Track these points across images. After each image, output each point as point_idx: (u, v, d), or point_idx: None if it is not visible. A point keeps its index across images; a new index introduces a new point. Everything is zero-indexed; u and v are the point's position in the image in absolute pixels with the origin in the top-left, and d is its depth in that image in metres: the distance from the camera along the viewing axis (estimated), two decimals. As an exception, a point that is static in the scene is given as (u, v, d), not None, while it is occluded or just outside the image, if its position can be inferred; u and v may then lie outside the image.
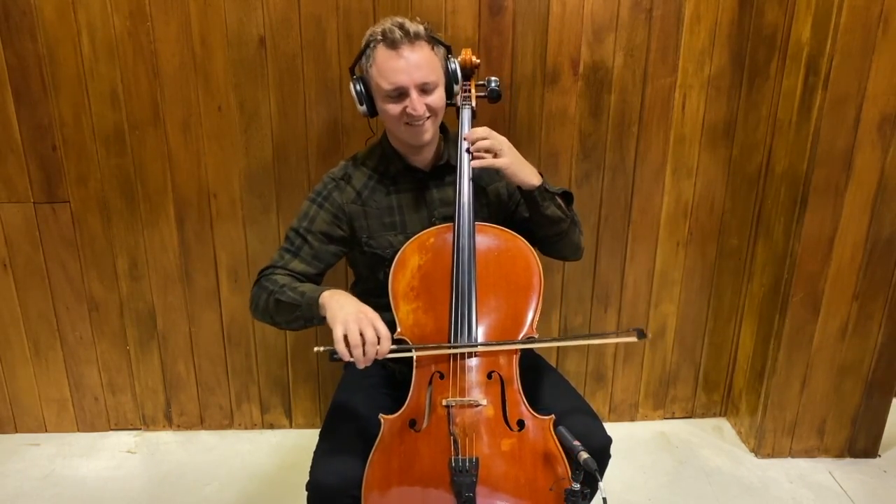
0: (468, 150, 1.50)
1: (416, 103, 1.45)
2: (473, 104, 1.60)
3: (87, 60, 2.00)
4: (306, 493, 1.41)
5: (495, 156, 1.48)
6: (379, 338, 1.30)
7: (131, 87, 2.03)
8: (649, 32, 2.04)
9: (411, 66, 1.43)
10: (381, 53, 1.44)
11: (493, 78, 1.66)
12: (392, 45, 1.42)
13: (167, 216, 2.16)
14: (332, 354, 1.30)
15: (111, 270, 2.22)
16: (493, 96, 1.66)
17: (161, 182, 2.13)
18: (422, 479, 1.36)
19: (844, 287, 2.11)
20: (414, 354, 1.42)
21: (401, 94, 1.45)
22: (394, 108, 1.47)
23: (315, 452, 1.44)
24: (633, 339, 1.37)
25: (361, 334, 1.29)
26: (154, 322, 2.28)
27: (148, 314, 2.27)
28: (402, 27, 1.43)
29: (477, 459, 1.34)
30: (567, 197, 1.60)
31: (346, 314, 1.31)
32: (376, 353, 1.30)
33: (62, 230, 2.17)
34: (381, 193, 1.60)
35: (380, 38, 1.44)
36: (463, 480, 1.32)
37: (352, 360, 1.29)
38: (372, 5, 1.98)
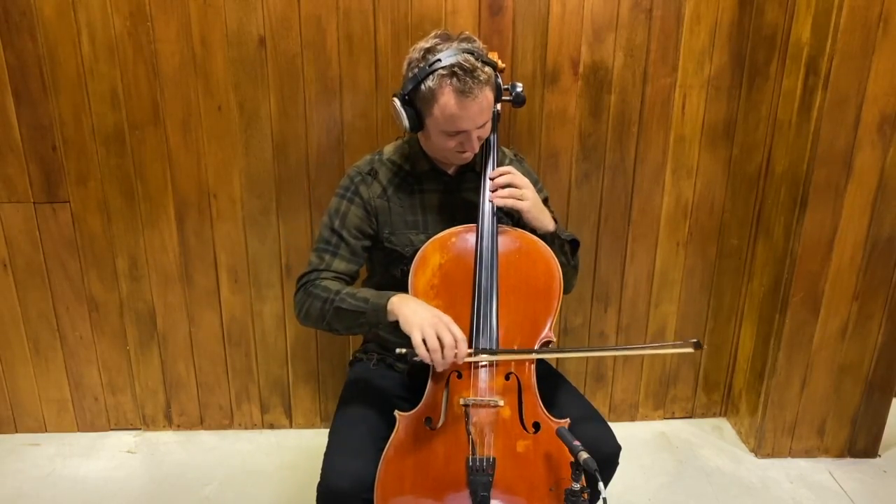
0: (489, 187, 1.53)
1: (475, 143, 1.48)
2: (499, 108, 1.60)
3: (87, 60, 2.00)
4: (316, 494, 1.40)
5: (518, 200, 1.51)
6: (456, 341, 1.33)
7: (131, 87, 2.03)
8: (649, 32, 2.04)
9: (477, 114, 1.43)
10: (449, 96, 1.40)
11: (517, 83, 1.67)
12: (463, 93, 1.40)
13: (167, 216, 2.16)
14: (413, 357, 1.34)
15: (111, 270, 2.22)
16: (519, 101, 1.67)
17: (161, 182, 2.13)
18: (437, 477, 1.37)
19: (844, 287, 2.11)
20: (492, 358, 1.43)
21: (459, 132, 1.46)
22: (449, 142, 1.48)
23: (325, 454, 1.44)
24: (690, 349, 1.38)
25: (439, 338, 1.32)
26: (154, 322, 2.28)
27: (148, 314, 2.27)
28: (472, 73, 1.39)
29: (494, 459, 1.35)
30: (574, 244, 1.64)
31: (422, 319, 1.34)
32: (454, 356, 1.33)
33: (62, 230, 2.17)
34: (406, 192, 1.60)
35: (446, 75, 1.39)
36: (479, 479, 1.33)
37: (431, 363, 1.34)
38: (372, 5, 1.98)
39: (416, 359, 1.33)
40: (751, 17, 2.05)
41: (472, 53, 1.42)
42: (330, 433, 1.50)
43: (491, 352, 1.43)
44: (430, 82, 1.41)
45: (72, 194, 2.13)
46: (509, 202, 1.50)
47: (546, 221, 1.54)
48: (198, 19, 1.97)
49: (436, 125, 1.46)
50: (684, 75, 2.09)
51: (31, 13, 1.94)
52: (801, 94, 2.01)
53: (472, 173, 1.62)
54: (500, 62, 1.64)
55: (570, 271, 1.63)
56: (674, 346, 1.65)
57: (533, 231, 1.56)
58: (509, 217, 1.66)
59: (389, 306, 1.41)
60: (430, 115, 1.45)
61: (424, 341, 1.32)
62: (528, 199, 1.51)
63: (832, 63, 1.88)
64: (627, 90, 2.10)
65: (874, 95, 1.90)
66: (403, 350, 1.37)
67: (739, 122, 2.16)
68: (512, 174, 1.52)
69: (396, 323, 1.40)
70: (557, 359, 2.37)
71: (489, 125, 1.51)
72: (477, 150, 1.51)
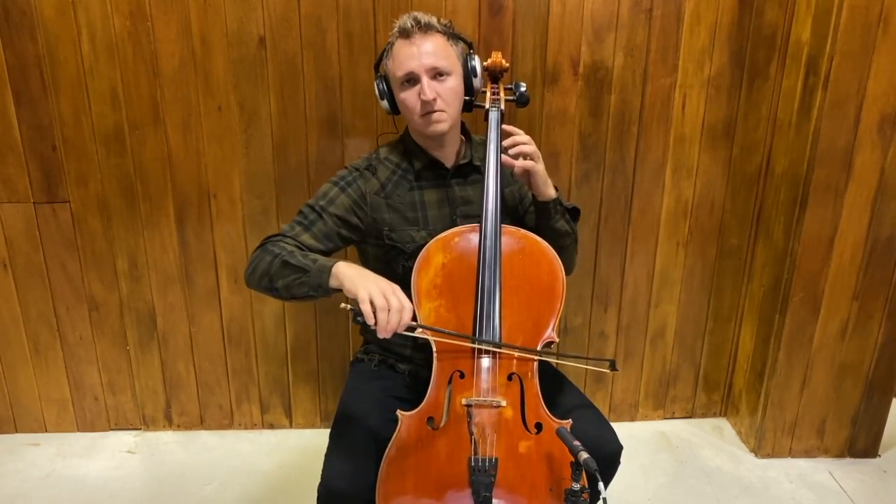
0: (504, 151, 1.52)
1: (427, 88, 1.48)
2: (502, 107, 1.61)
3: (87, 60, 2.00)
4: (317, 495, 1.40)
5: (536, 162, 1.51)
6: (403, 307, 1.28)
7: (131, 87, 2.03)
8: (649, 32, 2.05)
9: (422, 53, 1.47)
10: (397, 45, 1.51)
11: (521, 82, 1.68)
12: (405, 34, 1.49)
13: (167, 216, 2.16)
14: (357, 315, 1.28)
15: (111, 270, 2.22)
16: (522, 100, 1.67)
17: (161, 182, 2.13)
18: (439, 477, 1.37)
19: (844, 287, 2.11)
20: (433, 339, 1.42)
21: (412, 80, 1.49)
22: (409, 97, 1.51)
23: (326, 455, 1.44)
24: (605, 370, 1.39)
25: (386, 300, 1.27)
26: (154, 322, 2.28)
27: (148, 314, 2.27)
28: (414, 18, 1.49)
29: (496, 459, 1.35)
30: (575, 213, 1.65)
31: (369, 281, 1.30)
32: (398, 323, 1.28)
33: (62, 230, 2.17)
34: (405, 188, 1.60)
35: (396, 32, 1.51)
36: (482, 480, 1.33)
37: (374, 327, 1.27)
38: (372, 5, 1.98)
39: (359, 318, 1.27)
40: (751, 17, 2.05)
41: (433, 17, 1.51)
42: (330, 434, 1.50)
43: (482, 341, 1.42)
44: (387, 48, 1.53)
45: (72, 194, 2.13)
46: (528, 164, 1.50)
47: (549, 188, 1.56)
48: (198, 19, 1.97)
49: (395, 81, 1.53)
50: (684, 75, 2.09)
51: (31, 13, 1.94)
52: (801, 94, 2.01)
53: (470, 166, 1.63)
54: (503, 62, 1.65)
55: (571, 245, 1.64)
56: (593, 363, 1.68)
57: (534, 197, 1.57)
58: (510, 212, 1.66)
59: (334, 269, 1.36)
60: (390, 75, 1.53)
61: (371, 302, 1.26)
62: (540, 162, 1.53)
63: (832, 63, 1.88)
64: (627, 90, 2.10)
65: (874, 95, 1.91)
66: (348, 305, 1.30)
67: (739, 122, 2.16)
68: (529, 141, 1.53)
69: (335, 290, 1.36)
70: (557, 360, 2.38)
71: (452, 81, 1.51)
72: (431, 96, 1.47)
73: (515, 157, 1.51)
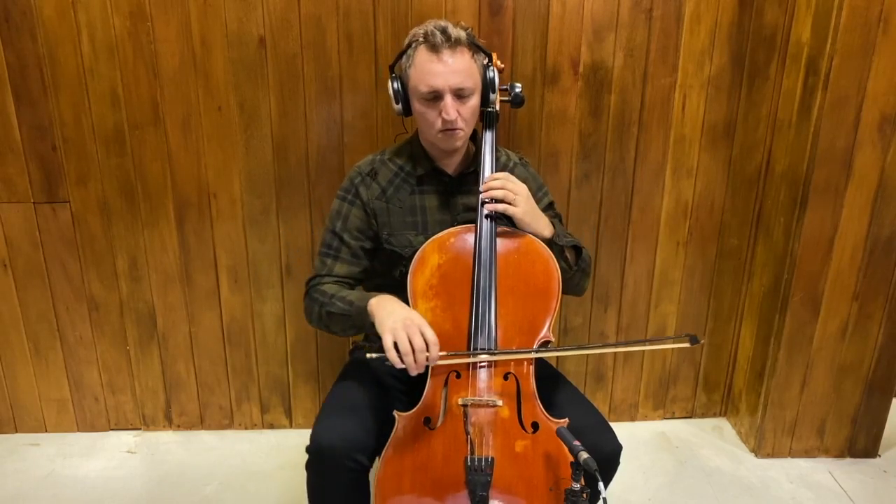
0: (482, 194, 1.51)
1: (450, 108, 1.46)
2: (497, 108, 1.61)
3: (87, 60, 2.00)
4: (306, 459, 1.40)
5: (510, 205, 1.49)
6: (427, 344, 1.31)
7: (131, 87, 2.03)
8: (649, 32, 2.04)
9: (449, 71, 1.44)
10: (421, 55, 1.45)
11: (516, 83, 1.68)
12: (433, 48, 1.44)
13: (167, 216, 2.16)
14: (384, 361, 1.32)
15: (111, 270, 2.22)
16: (517, 101, 1.68)
17: (161, 182, 2.13)
18: (435, 477, 1.38)
19: (844, 287, 2.11)
20: (466, 361, 1.42)
21: (436, 97, 1.46)
22: (430, 113, 1.48)
23: (317, 417, 1.44)
24: (686, 344, 1.38)
25: (410, 342, 1.30)
26: (154, 322, 2.28)
27: (148, 314, 2.27)
28: (444, 31, 1.44)
29: (492, 459, 1.35)
30: (577, 250, 1.61)
31: (394, 321, 1.33)
32: (426, 360, 1.32)
33: (62, 230, 2.17)
34: (406, 192, 1.61)
35: (421, 39, 1.46)
36: (478, 479, 1.33)
37: (403, 366, 1.31)
38: (372, 5, 1.98)
39: (387, 363, 1.31)
40: (751, 17, 2.05)
41: (454, 25, 1.47)
42: (324, 403, 1.51)
43: (490, 352, 1.43)
44: (409, 51, 1.48)
45: (72, 194, 2.13)
46: (500, 207, 1.48)
47: (541, 229, 1.52)
48: (198, 19, 1.97)
49: (415, 92, 1.49)
50: (684, 75, 2.09)
51: (31, 13, 1.94)
52: (801, 94, 2.01)
53: (472, 174, 1.62)
54: (498, 62, 1.65)
55: (576, 275, 1.61)
56: (671, 341, 1.66)
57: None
58: (508, 218, 1.66)
59: (369, 308, 1.41)
60: (410, 83, 1.49)
61: (396, 346, 1.30)
62: (519, 205, 1.48)
63: (832, 63, 1.88)
64: (627, 90, 2.10)
65: (874, 95, 1.90)
66: (374, 355, 1.35)
67: (739, 122, 2.16)
68: (505, 180, 1.50)
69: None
70: (557, 359, 2.38)
71: (474, 100, 1.50)
72: (454, 117, 1.46)
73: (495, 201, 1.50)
